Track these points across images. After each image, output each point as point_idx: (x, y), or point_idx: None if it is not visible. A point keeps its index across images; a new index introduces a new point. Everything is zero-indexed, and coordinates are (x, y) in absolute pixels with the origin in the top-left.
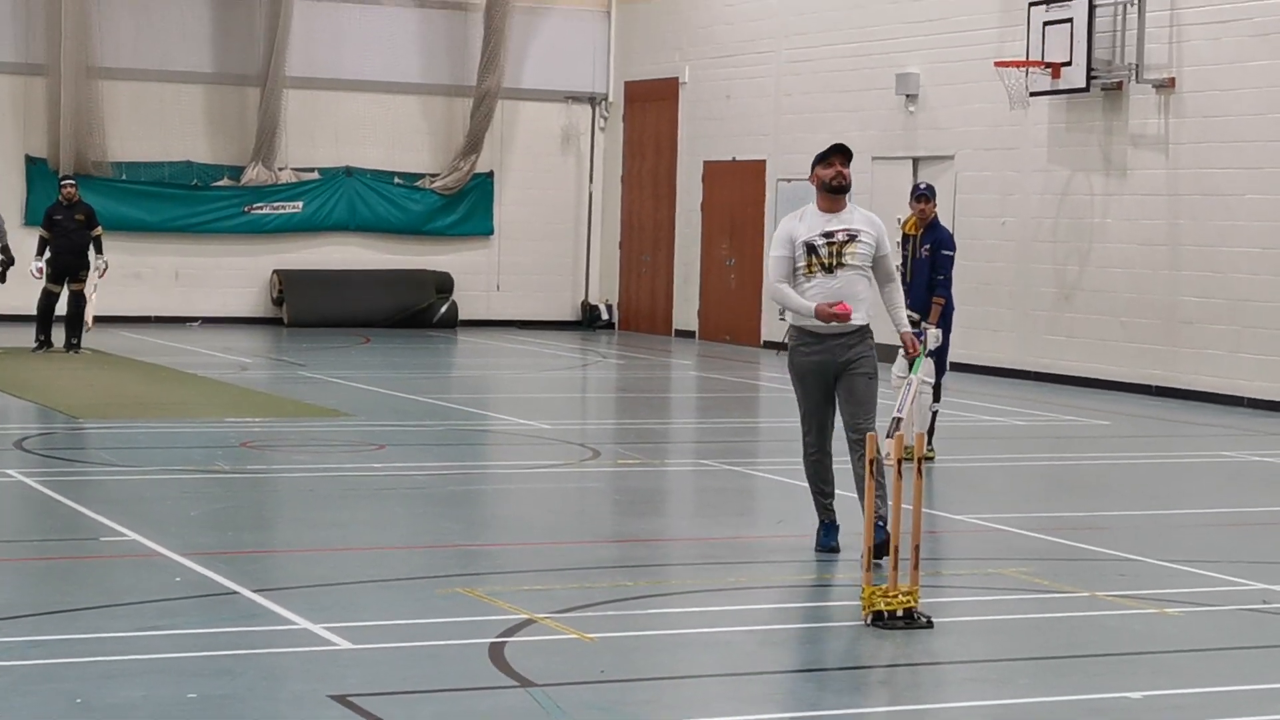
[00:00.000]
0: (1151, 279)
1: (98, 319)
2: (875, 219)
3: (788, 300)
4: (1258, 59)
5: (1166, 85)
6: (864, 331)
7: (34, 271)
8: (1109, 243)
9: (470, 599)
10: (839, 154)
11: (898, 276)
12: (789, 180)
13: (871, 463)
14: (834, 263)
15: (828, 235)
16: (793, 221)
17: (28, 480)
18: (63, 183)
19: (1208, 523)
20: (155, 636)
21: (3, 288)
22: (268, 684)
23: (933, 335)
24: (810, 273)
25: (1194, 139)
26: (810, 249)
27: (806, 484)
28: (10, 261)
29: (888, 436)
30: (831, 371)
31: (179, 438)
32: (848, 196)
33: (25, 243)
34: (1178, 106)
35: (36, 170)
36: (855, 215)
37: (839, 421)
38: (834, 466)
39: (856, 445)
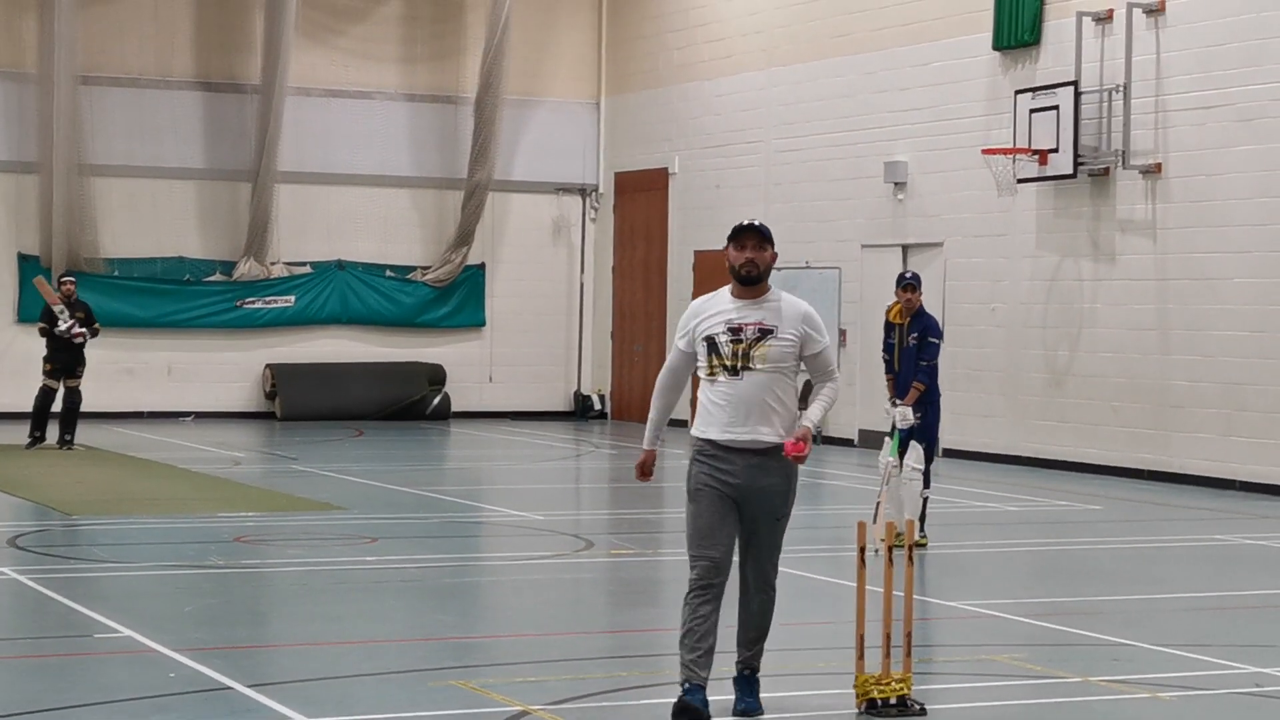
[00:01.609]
0: (1142, 363)
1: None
2: (804, 311)
3: (653, 407)
4: (1243, 144)
5: (1153, 171)
6: (780, 449)
7: (71, 328)
8: (1099, 327)
9: (465, 691)
10: (751, 234)
11: (835, 379)
12: (779, 269)
13: (861, 550)
14: (738, 364)
15: (734, 330)
16: (700, 305)
17: (21, 578)
18: (62, 280)
19: (1200, 606)
20: None
21: None
22: None
23: (899, 414)
24: (712, 374)
25: (1181, 223)
26: (711, 345)
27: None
28: None
29: (874, 522)
30: (732, 497)
31: (172, 533)
32: (770, 283)
33: (18, 340)
34: (1164, 191)
35: (29, 268)
36: (775, 307)
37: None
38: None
39: (752, 588)
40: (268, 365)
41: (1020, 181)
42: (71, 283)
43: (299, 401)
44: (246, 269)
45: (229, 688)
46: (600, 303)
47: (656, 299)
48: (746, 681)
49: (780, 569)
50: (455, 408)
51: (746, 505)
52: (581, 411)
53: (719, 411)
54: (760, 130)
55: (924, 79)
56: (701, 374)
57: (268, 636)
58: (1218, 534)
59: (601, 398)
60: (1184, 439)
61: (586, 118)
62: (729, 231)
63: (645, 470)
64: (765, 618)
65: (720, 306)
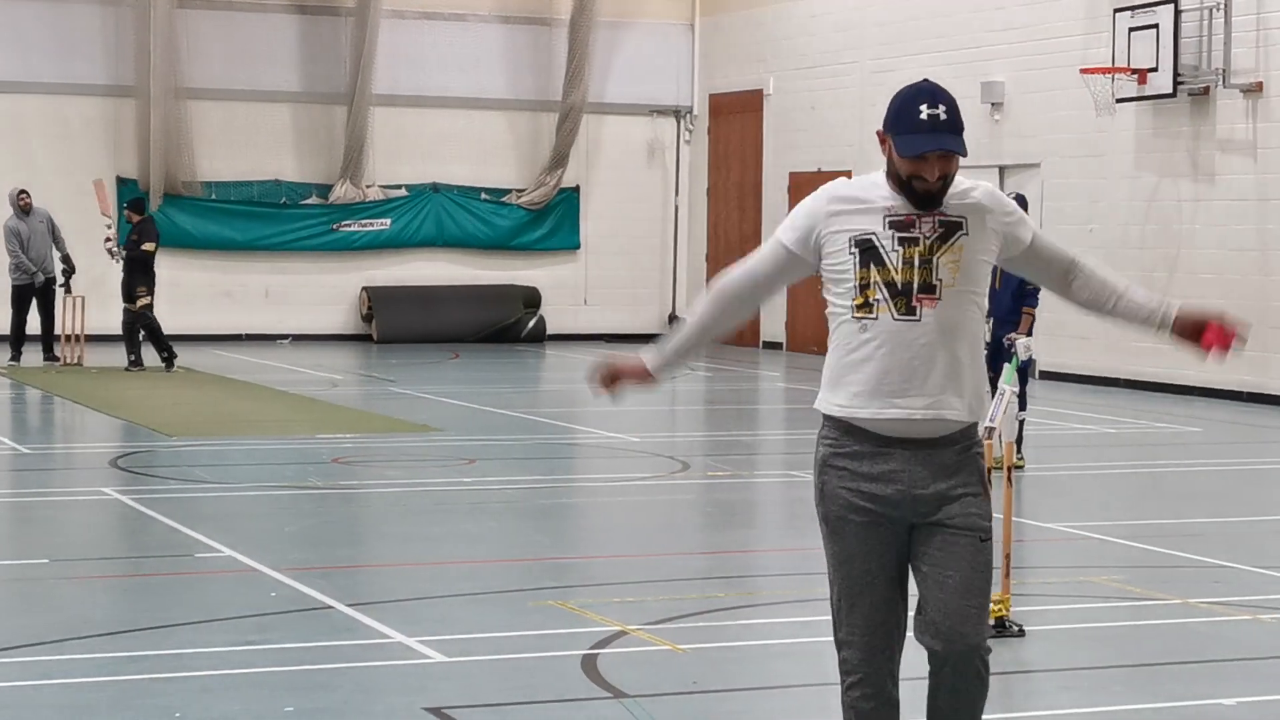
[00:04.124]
0: (1241, 284)
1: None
2: (993, 192)
3: (694, 313)
4: None
5: (1254, 89)
6: (971, 436)
7: (106, 241)
8: (1197, 249)
9: (562, 611)
10: (940, 131)
11: (1083, 258)
12: None
13: (990, 471)
14: (918, 280)
15: (902, 226)
16: (840, 191)
17: (123, 498)
18: (123, 207)
19: None
20: (252, 651)
21: (93, 309)
22: (363, 697)
23: (1023, 346)
24: (867, 308)
25: None
26: (867, 254)
27: None
28: (72, 270)
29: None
30: (902, 517)
31: (271, 454)
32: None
33: (116, 267)
34: (1265, 110)
35: (127, 191)
36: (956, 192)
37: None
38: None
39: (947, 664)
40: (364, 288)
41: (1119, 101)
42: (126, 209)
43: (395, 324)
44: (342, 192)
45: (329, 607)
46: (695, 225)
47: (751, 221)
48: None
49: None
50: (550, 330)
51: (922, 524)
52: None
53: (875, 372)
54: (856, 51)
55: None
56: (838, 311)
57: (367, 557)
58: None
59: None
60: None
61: (681, 39)
62: (889, 115)
63: (610, 378)
64: (971, 712)
65: (875, 193)
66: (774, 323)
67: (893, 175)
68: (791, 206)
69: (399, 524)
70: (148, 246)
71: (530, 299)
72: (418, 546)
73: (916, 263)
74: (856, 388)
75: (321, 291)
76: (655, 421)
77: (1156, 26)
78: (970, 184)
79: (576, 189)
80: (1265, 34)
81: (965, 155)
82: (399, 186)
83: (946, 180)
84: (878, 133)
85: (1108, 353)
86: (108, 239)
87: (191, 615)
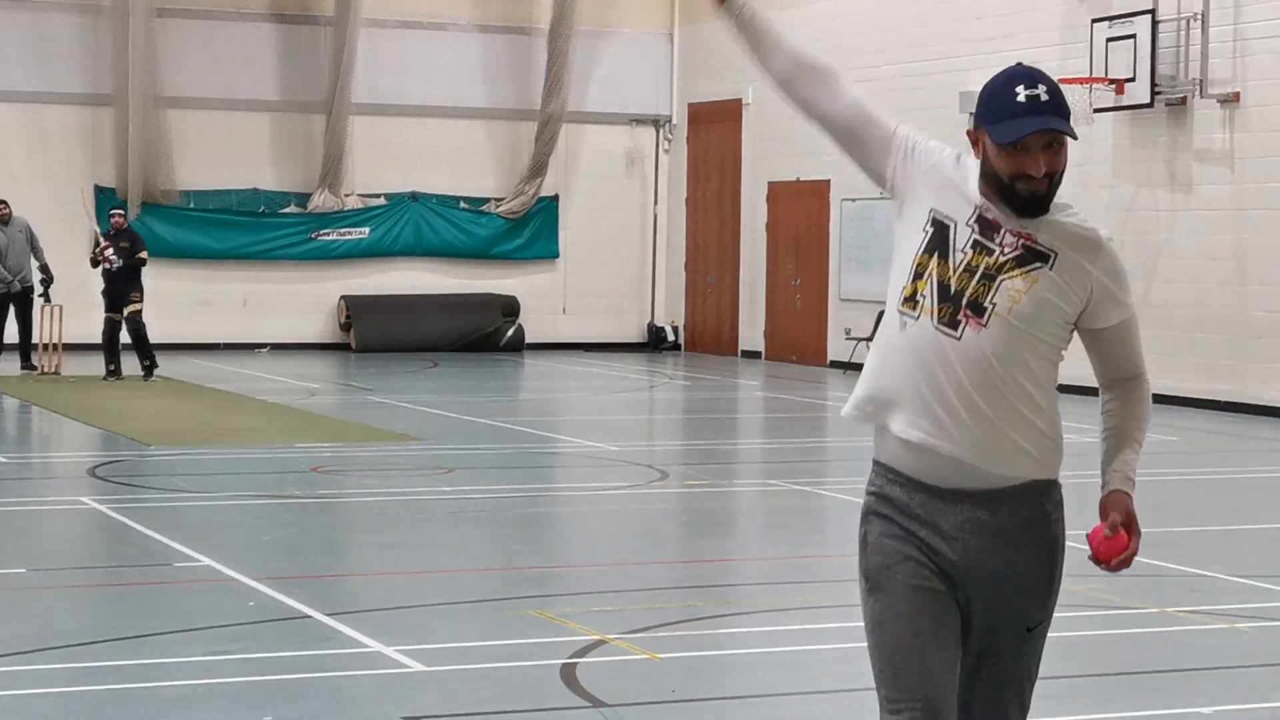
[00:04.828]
0: (1219, 294)
1: (157, 347)
2: (1100, 238)
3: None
4: None
5: (1231, 100)
6: (1040, 492)
7: (103, 249)
8: (1175, 259)
9: (541, 620)
10: (1043, 112)
11: (1147, 380)
12: (853, 200)
13: None
14: (970, 294)
15: (987, 228)
16: (938, 152)
17: (101, 507)
18: (112, 212)
19: (1278, 538)
20: (230, 661)
21: (71, 318)
22: (342, 706)
23: None
24: (910, 308)
25: (1259, 153)
26: (939, 235)
27: None
28: (51, 279)
29: None
30: (953, 585)
31: (250, 463)
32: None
33: (96, 273)
34: (1243, 121)
35: (105, 200)
36: (1053, 220)
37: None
38: None
39: None
40: (342, 297)
41: (1097, 111)
42: (120, 215)
43: (374, 333)
44: (321, 201)
45: (307, 616)
46: (674, 234)
47: (730, 230)
48: None
49: (855, 501)
50: (529, 339)
51: (973, 598)
52: (655, 343)
53: (912, 394)
54: (834, 59)
55: (999, 7)
56: (890, 293)
57: (345, 566)
58: None
59: (675, 329)
60: (1261, 370)
61: (660, 48)
62: (980, 106)
63: None
64: None
65: (968, 184)
66: (753, 332)
67: (989, 177)
68: (770, 215)
69: (377, 533)
70: (143, 255)
71: (509, 308)
72: (396, 556)
73: (978, 274)
74: (886, 396)
75: (300, 300)
76: (633, 430)
77: (1134, 37)
78: (1092, 227)
79: (555, 198)
80: (1242, 44)
81: (1075, 139)
82: (378, 195)
83: (1054, 179)
84: (968, 133)
85: (1085, 362)
86: (105, 248)
87: (169, 625)
